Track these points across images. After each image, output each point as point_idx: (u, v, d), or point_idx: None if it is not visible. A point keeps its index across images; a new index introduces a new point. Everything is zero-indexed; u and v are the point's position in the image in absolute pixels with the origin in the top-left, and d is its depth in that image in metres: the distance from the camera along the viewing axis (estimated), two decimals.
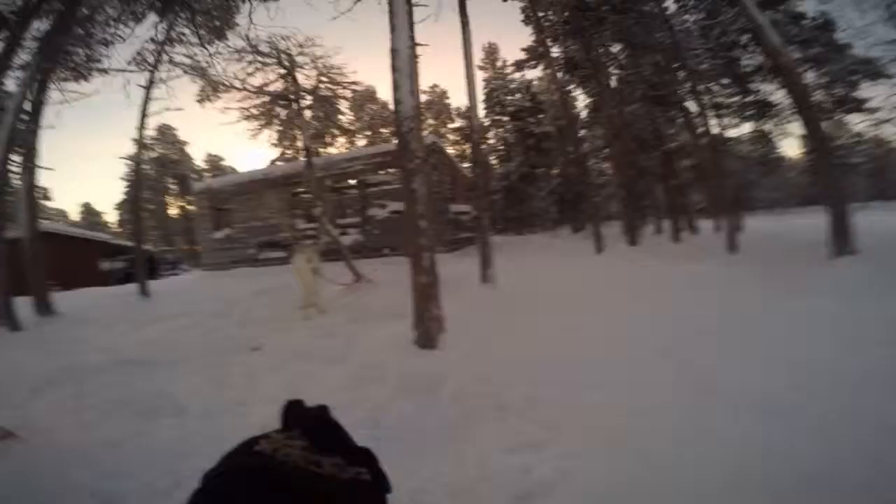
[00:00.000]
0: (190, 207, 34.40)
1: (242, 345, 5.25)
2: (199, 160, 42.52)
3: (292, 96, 9.81)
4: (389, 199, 14.65)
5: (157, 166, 39.15)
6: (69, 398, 3.81)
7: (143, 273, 10.48)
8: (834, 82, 13.48)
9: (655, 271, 7.41)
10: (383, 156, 14.01)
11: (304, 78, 10.17)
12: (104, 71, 10.88)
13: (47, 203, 43.39)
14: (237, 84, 9.50)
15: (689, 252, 9.76)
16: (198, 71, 10.95)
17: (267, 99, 9.85)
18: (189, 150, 41.77)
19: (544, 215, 38.76)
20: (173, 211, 41.77)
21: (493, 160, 33.16)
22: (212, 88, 11.02)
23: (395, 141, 4.10)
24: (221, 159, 43.25)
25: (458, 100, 41.21)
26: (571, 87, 20.79)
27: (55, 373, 4.35)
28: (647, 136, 19.86)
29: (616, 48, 16.57)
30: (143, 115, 10.81)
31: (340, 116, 10.76)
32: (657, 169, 21.41)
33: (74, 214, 45.65)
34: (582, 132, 34.68)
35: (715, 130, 19.13)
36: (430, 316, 4.17)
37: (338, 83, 10.33)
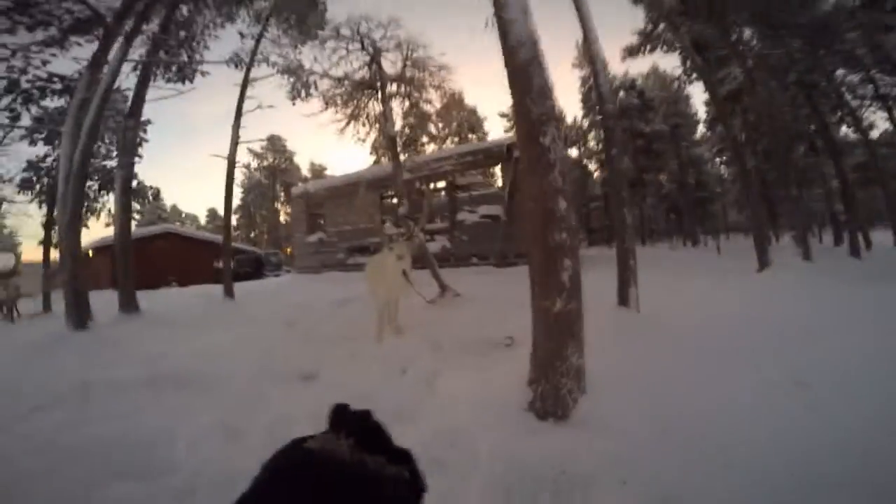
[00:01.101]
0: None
1: (293, 371, 4.09)
2: (304, 169, 45.58)
3: (378, 83, 8.87)
4: (481, 202, 13.28)
5: (268, 174, 42.63)
6: (37, 433, 2.87)
7: (229, 274, 10.24)
8: None
9: (861, 297, 4.92)
10: (474, 154, 12.65)
11: (390, 64, 9.24)
12: (203, 73, 11.06)
13: (170, 204, 49.80)
14: (320, 70, 8.79)
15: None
16: (288, 69, 10.64)
17: (351, 88, 9.02)
18: (296, 159, 44.99)
19: (653, 225, 34.54)
20: (283, 217, 45.19)
21: (593, 165, 30.42)
22: (301, 84, 10.63)
23: (507, 81, 2.54)
24: (324, 168, 45.85)
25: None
26: (693, 76, 17.30)
27: (50, 396, 3.54)
28: (802, 129, 15.91)
29: (747, 32, 13.32)
30: (238, 113, 10.74)
31: (428, 107, 9.50)
32: (813, 168, 17.21)
33: (202, 219, 51.87)
34: (701, 131, 30.42)
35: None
36: (564, 367, 2.49)
37: (425, 67, 9.16)
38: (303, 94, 11.17)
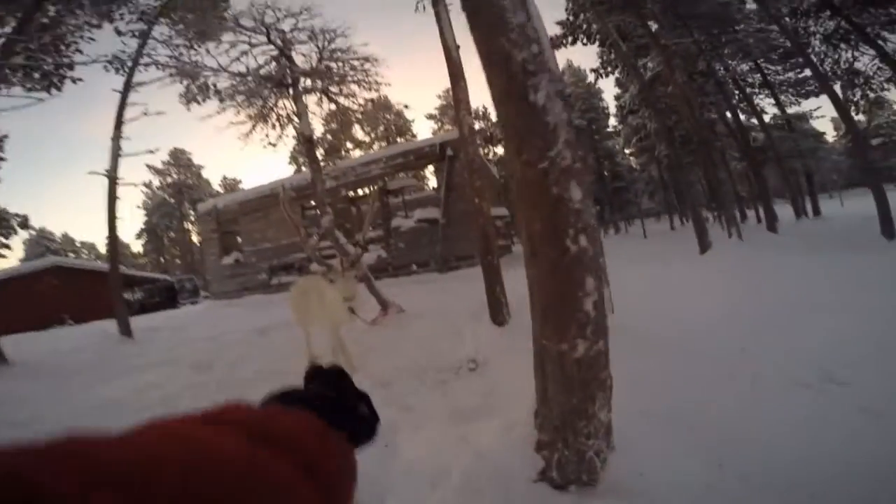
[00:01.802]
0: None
1: None
2: (216, 184, 41.80)
3: (289, 79, 7.79)
4: (416, 205, 12.56)
5: (174, 192, 38.47)
6: None
7: (122, 308, 8.51)
8: None
9: (825, 267, 4.91)
10: (405, 155, 11.89)
11: (303, 59, 8.20)
12: (74, 79, 9.22)
13: (59, 233, 43.49)
14: (215, 65, 7.54)
15: (826, 241, 7.17)
16: (182, 71, 9.15)
17: (255, 85, 7.85)
18: (206, 174, 41.11)
19: None
20: (196, 238, 41.00)
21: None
22: (197, 86, 9.20)
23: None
24: (238, 182, 42.41)
25: (476, 99, 39.50)
26: (609, 70, 17.84)
27: None
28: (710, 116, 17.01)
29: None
30: (119, 122, 9.02)
31: (351, 103, 8.58)
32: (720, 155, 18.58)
33: (102, 246, 45.61)
34: (612, 124, 32.20)
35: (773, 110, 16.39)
36: (591, 426, 1.78)
37: (345, 60, 8.24)
38: (199, 98, 9.71)
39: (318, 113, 8.99)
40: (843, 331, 3.38)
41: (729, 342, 3.39)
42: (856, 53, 11.51)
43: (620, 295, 4.34)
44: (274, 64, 8.09)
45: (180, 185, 38.44)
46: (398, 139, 32.73)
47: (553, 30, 13.47)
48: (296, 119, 8.34)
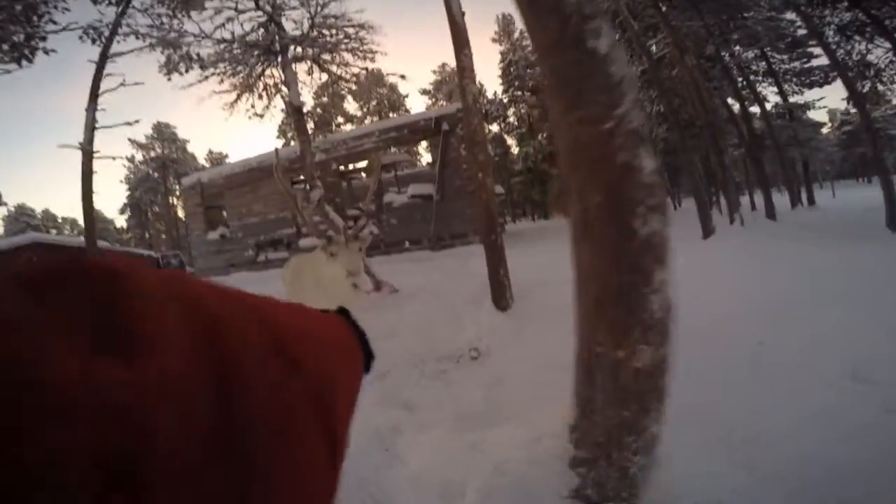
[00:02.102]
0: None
1: None
2: (201, 158, 40.64)
3: (277, 46, 7.30)
4: (410, 181, 12.19)
5: (158, 166, 37.29)
6: None
7: None
8: None
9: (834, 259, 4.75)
10: (398, 129, 11.45)
11: (293, 24, 7.68)
12: (46, 50, 8.59)
13: (40, 209, 42.15)
14: (197, 31, 7.01)
15: (830, 231, 7.03)
16: (164, 41, 8.52)
17: (242, 52, 7.34)
18: (191, 148, 39.88)
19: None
20: (182, 213, 39.98)
21: (511, 141, 30.48)
22: (179, 56, 8.60)
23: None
24: (224, 156, 41.24)
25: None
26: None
27: None
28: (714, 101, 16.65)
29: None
30: (94, 93, 8.42)
31: (343, 73, 8.11)
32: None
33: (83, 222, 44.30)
34: None
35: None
36: (640, 441, 1.54)
37: (338, 27, 7.74)
38: (181, 68, 9.10)
39: (308, 83, 8.51)
40: (862, 324, 3.22)
41: (746, 335, 3.20)
42: (870, 46, 11.25)
43: None
44: (262, 31, 7.57)
45: (164, 160, 37.20)
46: (391, 114, 31.91)
47: None
48: (284, 89, 7.86)
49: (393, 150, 12.45)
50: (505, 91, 28.25)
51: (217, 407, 0.22)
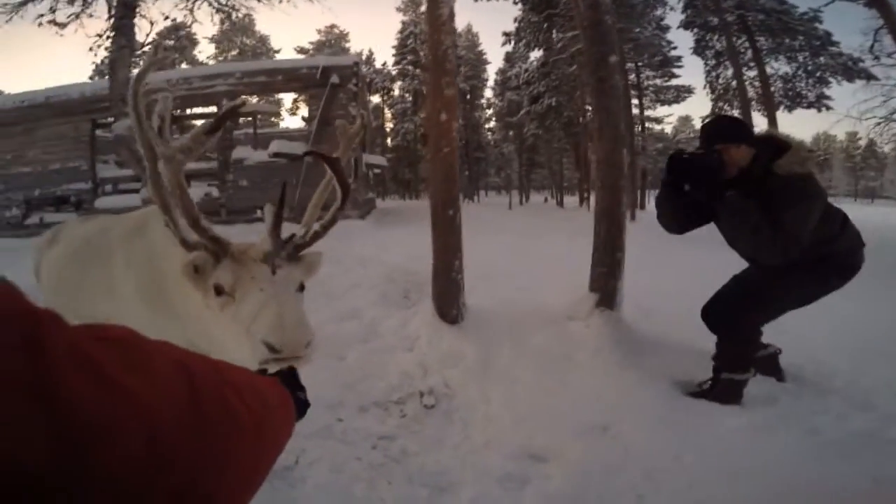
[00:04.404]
0: None
1: None
2: None
3: None
4: (274, 136, 9.77)
5: None
6: None
7: None
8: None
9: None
10: (270, 74, 8.97)
11: None
12: None
13: None
14: None
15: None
16: None
17: None
18: None
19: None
20: None
21: (390, 115, 29.13)
22: None
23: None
24: None
25: (358, 43, 35.62)
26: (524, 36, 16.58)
27: None
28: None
29: None
30: None
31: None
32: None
33: None
34: (488, 96, 32.68)
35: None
36: None
37: None
38: None
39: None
40: None
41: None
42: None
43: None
44: None
45: None
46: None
47: None
48: None
49: (255, 99, 9.86)
50: (396, 63, 26.62)
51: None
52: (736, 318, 2.00)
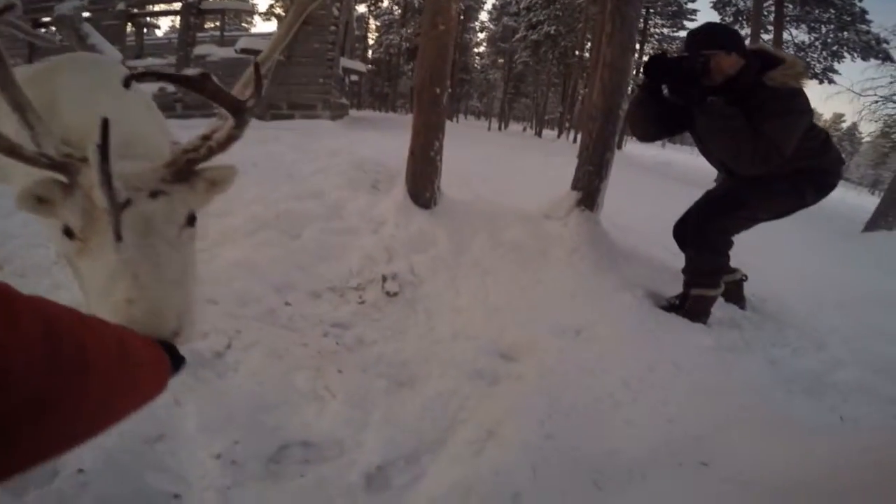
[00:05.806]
0: None
1: None
2: None
3: None
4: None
5: None
6: None
7: None
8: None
9: None
10: None
11: None
12: None
13: None
14: None
15: None
16: None
17: None
18: None
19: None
20: None
21: (374, 26, 26.91)
22: None
23: None
24: None
25: None
26: None
27: None
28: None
29: None
30: None
31: None
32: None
33: None
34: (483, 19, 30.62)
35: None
36: None
37: None
38: None
39: None
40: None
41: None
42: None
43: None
44: None
45: None
46: None
47: None
48: None
49: None
50: None
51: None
52: (706, 224, 1.95)
